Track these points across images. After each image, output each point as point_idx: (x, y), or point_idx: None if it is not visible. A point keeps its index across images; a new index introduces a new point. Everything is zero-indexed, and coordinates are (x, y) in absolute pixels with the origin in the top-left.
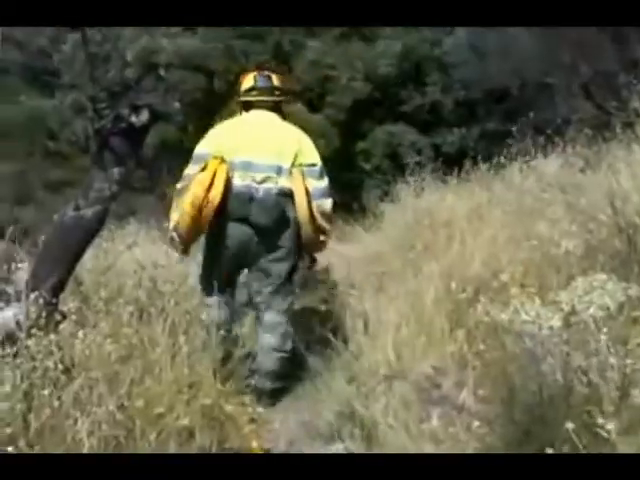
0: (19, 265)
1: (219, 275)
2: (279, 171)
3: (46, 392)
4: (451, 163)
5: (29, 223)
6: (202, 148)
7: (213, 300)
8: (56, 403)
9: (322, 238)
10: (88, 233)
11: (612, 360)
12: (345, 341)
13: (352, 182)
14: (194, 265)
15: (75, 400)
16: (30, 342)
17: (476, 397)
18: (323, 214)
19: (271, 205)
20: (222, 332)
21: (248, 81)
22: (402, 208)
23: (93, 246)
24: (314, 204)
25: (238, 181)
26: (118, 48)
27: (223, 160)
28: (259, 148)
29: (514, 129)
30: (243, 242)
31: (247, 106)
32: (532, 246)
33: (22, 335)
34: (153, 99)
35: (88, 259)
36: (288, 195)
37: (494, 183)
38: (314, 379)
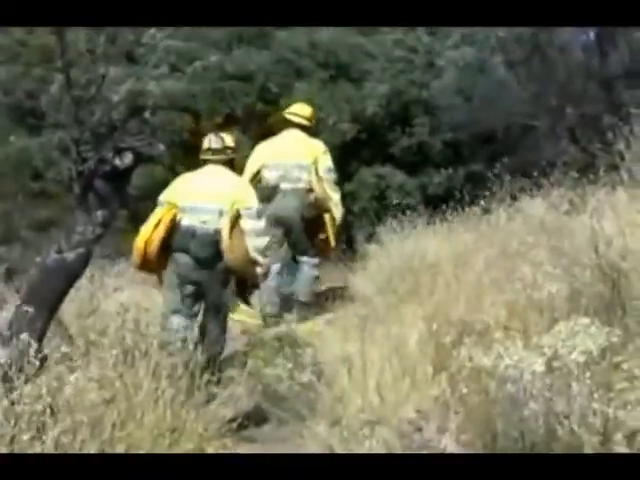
0: (4, 306)
1: (176, 294)
2: (220, 213)
3: (26, 437)
4: (437, 204)
5: (15, 263)
6: (161, 196)
7: (176, 320)
8: (38, 448)
9: (259, 270)
10: (70, 276)
11: (594, 406)
12: (328, 385)
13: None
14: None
15: (57, 445)
16: (16, 384)
17: (458, 442)
18: (257, 250)
19: (208, 241)
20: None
21: (205, 142)
22: (388, 250)
23: (78, 289)
24: (249, 240)
25: (186, 222)
26: (102, 91)
27: (174, 206)
28: (204, 195)
29: (498, 171)
30: (186, 268)
31: (205, 162)
32: (516, 289)
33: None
34: (137, 142)
35: (73, 302)
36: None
37: (479, 225)
38: (297, 423)
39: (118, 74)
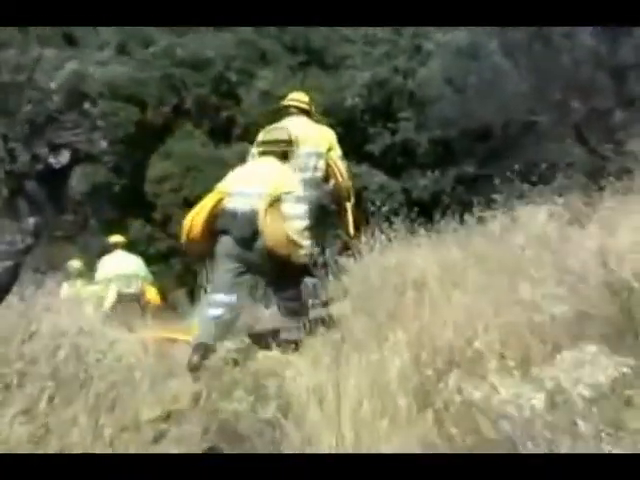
0: None
1: (220, 276)
2: (260, 196)
3: None
4: (423, 211)
5: None
6: (220, 184)
7: (219, 297)
8: None
9: (301, 252)
10: None
11: (603, 447)
12: (296, 421)
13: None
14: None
15: None
16: None
17: None
18: (297, 232)
19: (246, 221)
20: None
21: (260, 135)
22: (365, 264)
23: (5, 307)
24: (289, 223)
25: (230, 205)
26: (36, 77)
27: (225, 193)
28: (249, 180)
29: (493, 174)
30: (228, 247)
31: (260, 153)
32: (513, 311)
33: None
34: (76, 137)
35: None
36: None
37: (471, 236)
38: None
39: (55, 57)
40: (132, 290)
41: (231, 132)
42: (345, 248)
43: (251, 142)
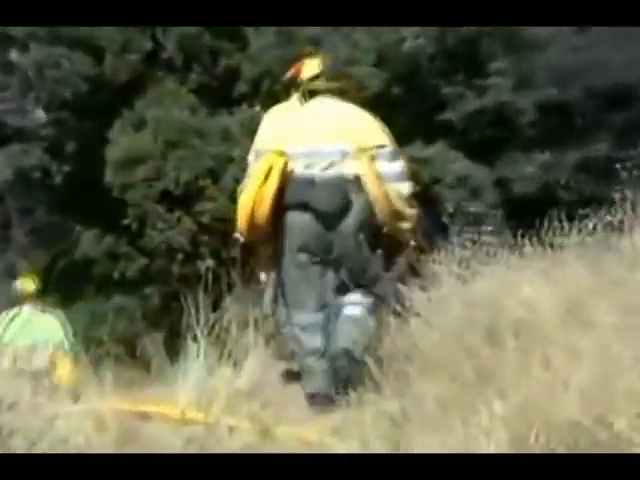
0: None
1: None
2: (343, 155)
3: None
4: (528, 215)
5: None
6: (259, 143)
7: (303, 319)
8: None
9: (405, 225)
10: None
11: None
12: None
13: None
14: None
15: None
16: None
17: None
18: (400, 197)
19: (333, 189)
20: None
21: (312, 66)
22: (441, 298)
23: None
24: (389, 188)
25: (300, 170)
26: None
27: (282, 153)
28: (320, 134)
29: (633, 159)
30: (305, 230)
31: (311, 96)
32: None
33: None
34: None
35: None
36: (353, 181)
37: (600, 255)
38: None
39: None
40: (37, 365)
41: (233, 90)
42: (412, 271)
43: (264, 105)
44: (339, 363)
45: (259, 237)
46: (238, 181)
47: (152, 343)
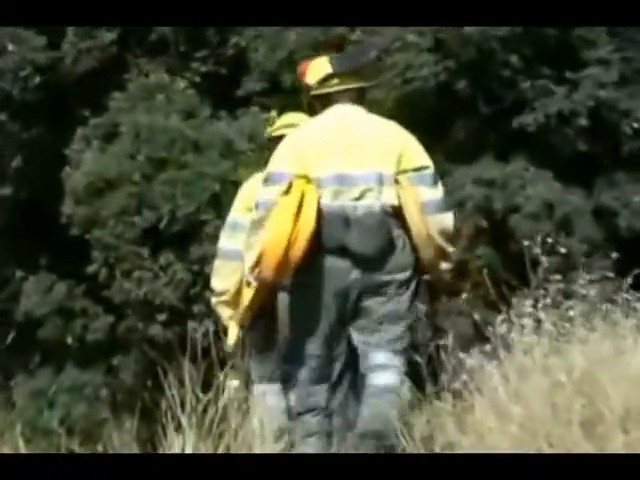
0: None
1: (317, 333)
2: (380, 180)
3: None
4: (638, 256)
5: None
6: (280, 166)
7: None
8: None
9: (444, 265)
10: None
11: None
12: None
13: None
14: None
15: None
16: None
17: None
18: (442, 232)
19: (374, 226)
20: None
21: (321, 67)
22: (516, 372)
23: None
24: (429, 220)
25: (329, 200)
26: None
27: (309, 178)
28: (354, 156)
29: None
30: (341, 280)
31: (324, 100)
32: None
33: None
34: None
35: None
36: (395, 212)
37: None
38: None
39: None
40: None
41: (241, 85)
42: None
43: (282, 108)
44: (366, 446)
45: (282, 276)
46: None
47: (120, 435)
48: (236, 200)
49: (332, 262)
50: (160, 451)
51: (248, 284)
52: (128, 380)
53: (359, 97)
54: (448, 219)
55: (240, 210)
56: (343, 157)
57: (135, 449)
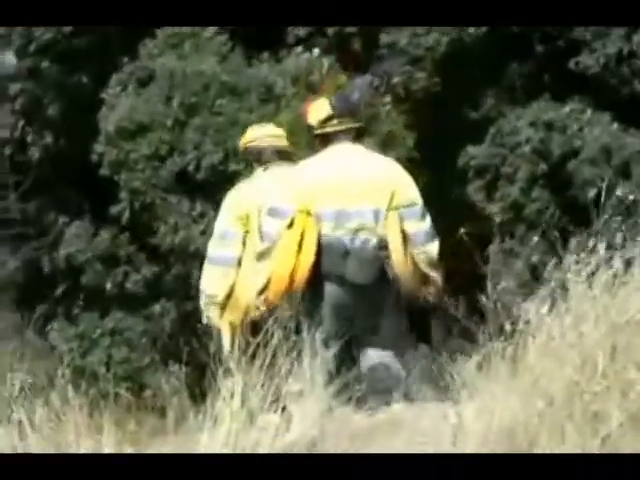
0: None
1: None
2: (376, 217)
3: None
4: None
5: None
6: (283, 202)
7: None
8: None
9: (430, 290)
10: None
11: None
12: None
13: None
14: None
15: None
16: None
17: None
18: (428, 262)
19: (370, 260)
20: None
21: (322, 108)
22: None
23: None
24: (416, 251)
25: (328, 234)
26: None
27: (309, 212)
28: (351, 192)
29: None
30: (339, 306)
31: (325, 139)
32: None
33: None
34: None
35: None
36: (386, 247)
37: None
38: None
39: None
40: None
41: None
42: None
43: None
44: (376, 375)
45: (283, 299)
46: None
47: (169, 380)
48: (223, 210)
49: (330, 287)
50: (209, 396)
51: (257, 308)
52: (168, 326)
53: (358, 135)
54: (434, 248)
55: (228, 221)
56: (341, 194)
57: (184, 395)
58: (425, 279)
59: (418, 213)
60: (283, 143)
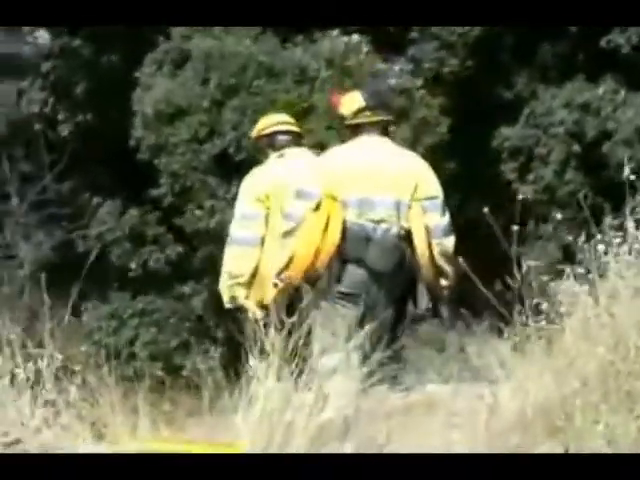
0: None
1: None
2: (398, 207)
3: None
4: None
5: None
6: (311, 185)
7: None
8: None
9: (444, 283)
10: None
11: None
12: None
13: None
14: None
15: None
16: None
17: None
18: (444, 255)
19: (390, 248)
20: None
21: (354, 99)
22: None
23: None
24: (434, 243)
25: (353, 219)
26: None
27: (335, 198)
28: (376, 182)
29: None
30: (359, 286)
31: (355, 129)
32: None
33: None
34: None
35: None
36: (407, 237)
37: None
38: None
39: None
40: None
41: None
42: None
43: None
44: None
45: (309, 281)
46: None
47: (204, 360)
48: (241, 194)
49: (355, 271)
50: (243, 377)
51: (275, 285)
52: (200, 307)
53: (386, 128)
54: (450, 242)
55: (248, 202)
56: (367, 183)
57: (219, 375)
58: (440, 272)
59: (439, 206)
60: (295, 128)
